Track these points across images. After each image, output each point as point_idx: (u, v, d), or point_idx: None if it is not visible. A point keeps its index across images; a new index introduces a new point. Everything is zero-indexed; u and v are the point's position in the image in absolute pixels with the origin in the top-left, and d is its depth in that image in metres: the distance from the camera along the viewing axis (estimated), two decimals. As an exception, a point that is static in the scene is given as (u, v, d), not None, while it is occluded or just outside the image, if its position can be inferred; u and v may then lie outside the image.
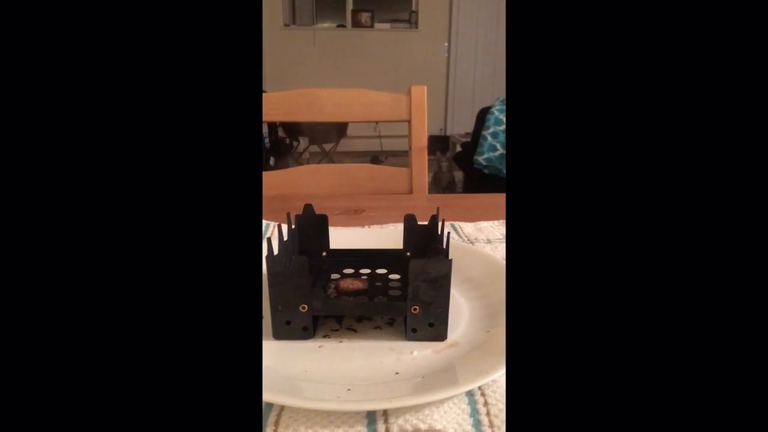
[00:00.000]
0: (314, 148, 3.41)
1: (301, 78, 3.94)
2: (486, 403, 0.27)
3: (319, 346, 0.32)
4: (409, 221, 0.40)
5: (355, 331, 0.34)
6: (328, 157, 3.33)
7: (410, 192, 0.85)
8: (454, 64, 4.26)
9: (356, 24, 4.05)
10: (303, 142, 3.37)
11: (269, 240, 0.30)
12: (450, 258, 0.31)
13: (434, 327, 0.32)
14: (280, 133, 3.20)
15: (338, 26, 4.06)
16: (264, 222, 0.58)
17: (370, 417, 0.26)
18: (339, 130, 3.29)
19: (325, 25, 4.05)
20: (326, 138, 3.30)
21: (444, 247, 0.33)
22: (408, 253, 0.40)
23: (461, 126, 4.13)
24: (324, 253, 0.41)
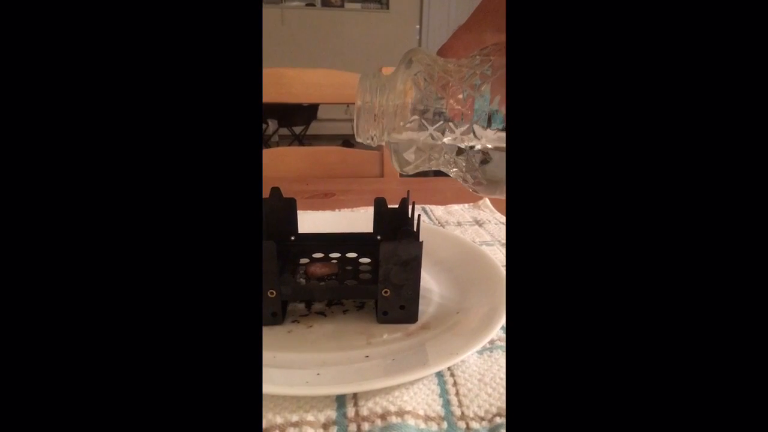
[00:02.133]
0: (284, 131, 3.34)
1: (269, 58, 3.81)
2: (455, 384, 0.27)
3: (288, 332, 0.32)
4: (379, 204, 0.40)
5: (325, 315, 0.34)
6: (298, 140, 3.26)
7: (381, 176, 0.84)
8: (425, 47, 4.22)
9: (326, 3, 3.95)
10: (272, 124, 3.29)
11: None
12: (421, 240, 0.31)
13: (405, 309, 0.32)
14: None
15: (307, 5, 3.94)
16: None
17: (340, 401, 0.25)
18: (310, 112, 3.23)
19: (294, 3, 3.93)
20: (296, 120, 3.24)
21: (415, 229, 0.33)
22: (378, 237, 0.40)
23: (433, 110, 4.11)
24: (293, 237, 0.41)
